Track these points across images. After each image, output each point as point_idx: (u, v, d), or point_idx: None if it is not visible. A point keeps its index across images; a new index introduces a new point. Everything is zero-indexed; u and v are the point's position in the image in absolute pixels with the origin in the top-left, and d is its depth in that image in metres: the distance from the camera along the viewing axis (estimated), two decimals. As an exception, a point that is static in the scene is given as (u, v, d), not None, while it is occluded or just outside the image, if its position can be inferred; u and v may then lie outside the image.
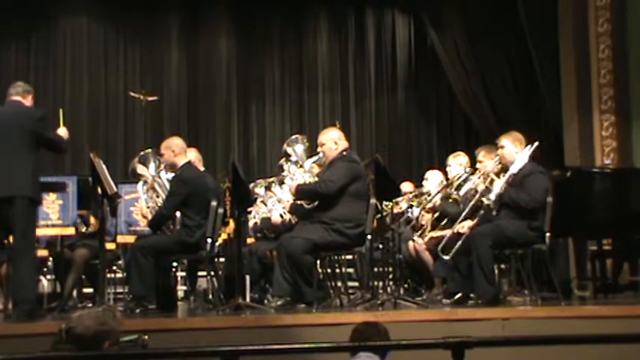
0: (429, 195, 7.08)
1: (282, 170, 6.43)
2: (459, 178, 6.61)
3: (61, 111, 6.14)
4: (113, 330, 2.91)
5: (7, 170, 5.30)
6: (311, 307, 5.58)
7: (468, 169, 6.63)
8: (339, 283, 6.54)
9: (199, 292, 7.41)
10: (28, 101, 5.59)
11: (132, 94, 9.95)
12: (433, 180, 7.27)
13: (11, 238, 5.45)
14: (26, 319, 5.12)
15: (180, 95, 10.94)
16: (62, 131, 5.73)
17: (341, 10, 11.30)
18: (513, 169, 5.95)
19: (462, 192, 6.40)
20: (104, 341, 2.87)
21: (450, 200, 6.72)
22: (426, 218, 6.91)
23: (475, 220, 6.11)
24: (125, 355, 2.75)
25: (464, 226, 6.09)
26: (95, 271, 6.60)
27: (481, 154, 6.39)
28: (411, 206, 6.95)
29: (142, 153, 6.62)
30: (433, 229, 6.77)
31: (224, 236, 6.75)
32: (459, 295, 5.92)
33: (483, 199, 5.78)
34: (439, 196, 6.76)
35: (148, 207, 6.26)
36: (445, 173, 7.05)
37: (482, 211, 6.06)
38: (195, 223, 5.97)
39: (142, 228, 6.56)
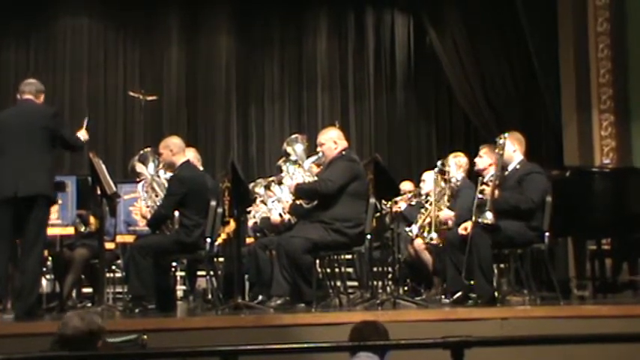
0: (427, 196, 7.08)
1: (281, 171, 6.43)
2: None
3: (86, 119, 6.16)
4: (101, 328, 2.89)
5: (30, 170, 5.29)
6: (310, 306, 5.58)
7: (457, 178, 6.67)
8: (339, 283, 6.54)
9: (198, 291, 7.41)
10: (40, 100, 5.60)
11: (131, 93, 9.95)
12: (430, 181, 7.26)
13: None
14: (25, 317, 5.12)
15: (180, 95, 10.93)
16: (82, 134, 5.83)
17: (341, 10, 11.29)
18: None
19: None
20: (97, 340, 2.84)
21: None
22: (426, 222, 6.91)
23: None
24: (125, 355, 2.75)
25: (466, 228, 6.07)
26: (94, 271, 6.61)
27: (483, 151, 6.39)
28: (410, 224, 6.95)
29: (141, 152, 6.63)
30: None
31: (223, 236, 6.74)
32: (458, 294, 5.92)
33: (480, 220, 5.74)
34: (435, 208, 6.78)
35: (148, 207, 6.26)
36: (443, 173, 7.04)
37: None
38: (193, 223, 5.96)
39: (141, 228, 6.57)
